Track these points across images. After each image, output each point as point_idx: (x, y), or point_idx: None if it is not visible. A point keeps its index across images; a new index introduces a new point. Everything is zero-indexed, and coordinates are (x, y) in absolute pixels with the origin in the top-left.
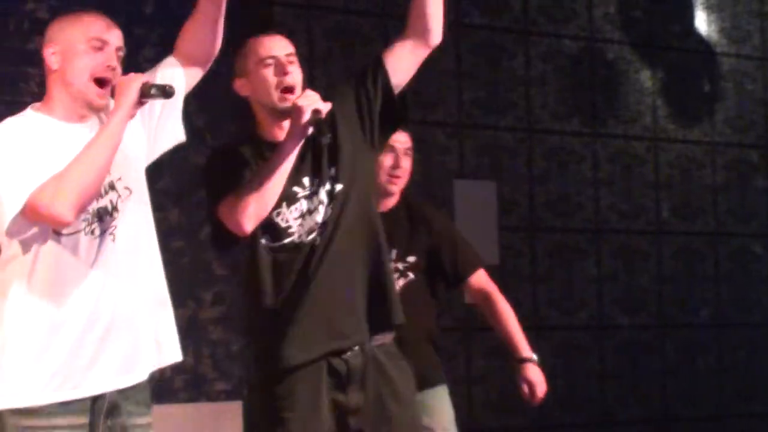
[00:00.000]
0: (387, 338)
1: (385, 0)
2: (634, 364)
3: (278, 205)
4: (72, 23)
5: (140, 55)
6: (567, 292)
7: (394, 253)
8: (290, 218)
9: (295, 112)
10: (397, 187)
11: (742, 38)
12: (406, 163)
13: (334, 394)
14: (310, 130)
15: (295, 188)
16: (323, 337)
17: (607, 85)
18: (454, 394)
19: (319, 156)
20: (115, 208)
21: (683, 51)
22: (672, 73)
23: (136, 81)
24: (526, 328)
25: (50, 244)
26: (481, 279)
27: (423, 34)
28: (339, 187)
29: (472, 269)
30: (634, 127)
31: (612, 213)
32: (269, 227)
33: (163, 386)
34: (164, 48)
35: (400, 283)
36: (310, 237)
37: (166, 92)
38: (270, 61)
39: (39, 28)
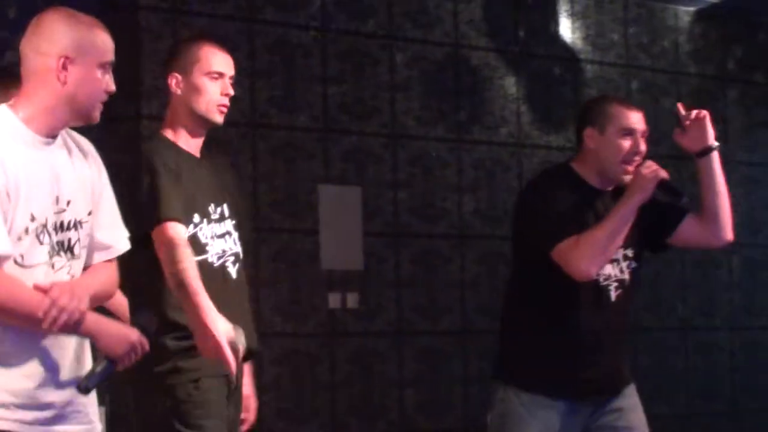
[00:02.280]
0: None
1: (251, 5)
2: None
3: None
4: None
5: (3, 58)
6: (431, 297)
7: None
8: None
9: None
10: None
11: (605, 45)
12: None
13: None
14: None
15: None
16: None
17: (472, 91)
18: (317, 399)
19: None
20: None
21: (548, 58)
22: (536, 79)
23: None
24: (391, 334)
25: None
26: None
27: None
28: None
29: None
30: (498, 133)
31: (476, 219)
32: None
33: None
34: None
35: (629, 271)
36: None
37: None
38: (217, 75)
39: None
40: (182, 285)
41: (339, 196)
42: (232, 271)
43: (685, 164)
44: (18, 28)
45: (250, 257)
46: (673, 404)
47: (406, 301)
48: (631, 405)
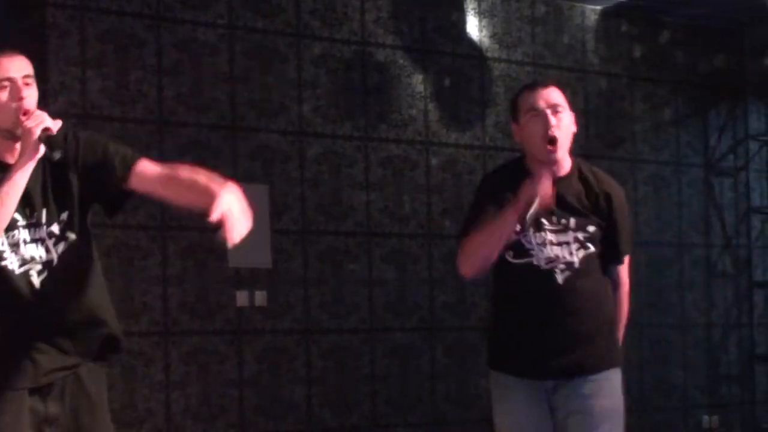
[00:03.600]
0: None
1: (159, 3)
2: (404, 367)
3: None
4: None
5: None
6: (338, 295)
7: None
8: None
9: (24, 133)
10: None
11: (512, 43)
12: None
13: (34, 403)
14: (42, 148)
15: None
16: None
17: (380, 89)
18: (225, 397)
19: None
20: None
21: (455, 56)
22: (444, 77)
23: None
24: (299, 331)
25: None
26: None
27: None
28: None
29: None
30: (406, 131)
31: (383, 216)
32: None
33: None
34: None
35: (580, 254)
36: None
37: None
38: (6, 83)
39: None
40: None
41: (246, 194)
42: (36, 281)
43: (593, 163)
44: None
45: (159, 254)
46: None
47: (313, 299)
48: (595, 390)
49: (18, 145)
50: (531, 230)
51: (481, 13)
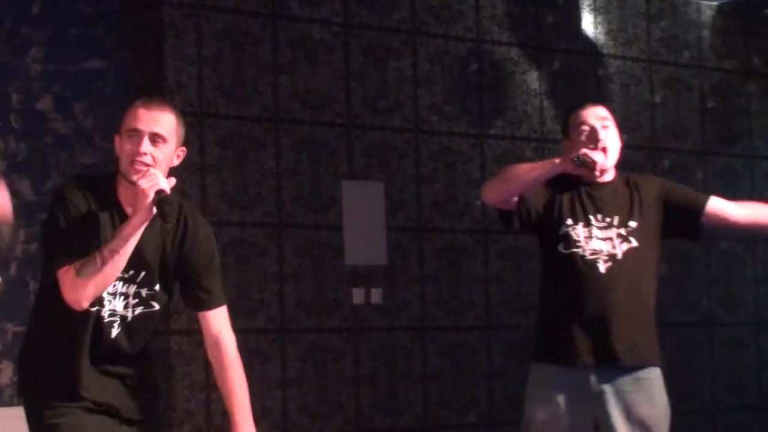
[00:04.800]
0: None
1: (275, 0)
2: (520, 364)
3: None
4: None
5: (28, 55)
6: (455, 292)
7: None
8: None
9: (138, 193)
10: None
11: (628, 40)
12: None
13: None
14: (155, 211)
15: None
16: None
17: (495, 86)
18: (269, 398)
19: None
20: None
21: (570, 53)
22: (559, 74)
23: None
24: (415, 329)
25: None
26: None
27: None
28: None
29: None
30: (521, 128)
31: None
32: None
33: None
34: (51, 48)
35: (624, 248)
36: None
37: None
38: (132, 133)
39: None
40: None
41: (362, 191)
42: (114, 332)
43: (710, 160)
44: (42, 24)
45: (275, 251)
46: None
47: (429, 296)
48: (641, 396)
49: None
50: (580, 224)
51: (596, 10)
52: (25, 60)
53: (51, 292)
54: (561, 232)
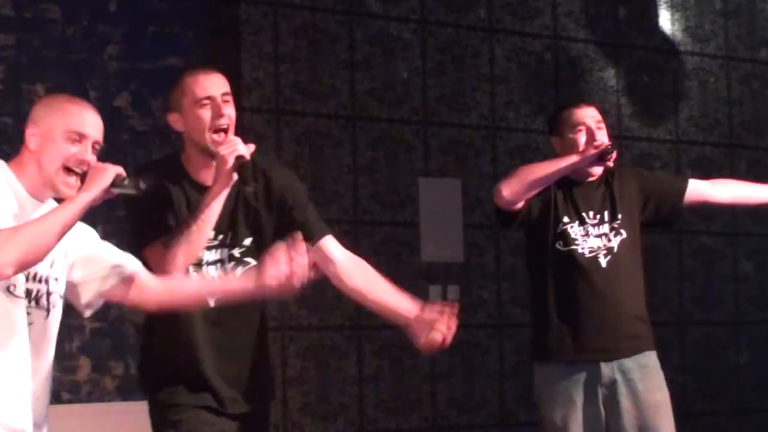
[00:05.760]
0: None
1: None
2: None
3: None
4: (55, 111)
5: (105, 52)
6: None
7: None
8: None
9: (218, 160)
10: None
11: (705, 37)
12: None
13: None
14: (235, 176)
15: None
16: None
17: (572, 83)
18: (345, 395)
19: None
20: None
21: (647, 49)
22: (636, 71)
23: (111, 169)
24: (492, 326)
25: None
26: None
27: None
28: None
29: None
30: None
31: None
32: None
33: (128, 384)
34: (128, 45)
35: (618, 240)
36: None
37: (137, 187)
38: (206, 101)
39: (2, 25)
40: None
41: (439, 188)
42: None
43: None
44: (119, 21)
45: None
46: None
47: (505, 293)
48: (647, 382)
49: (214, 165)
50: (576, 223)
51: (673, 7)
52: (102, 57)
53: None
54: (559, 230)
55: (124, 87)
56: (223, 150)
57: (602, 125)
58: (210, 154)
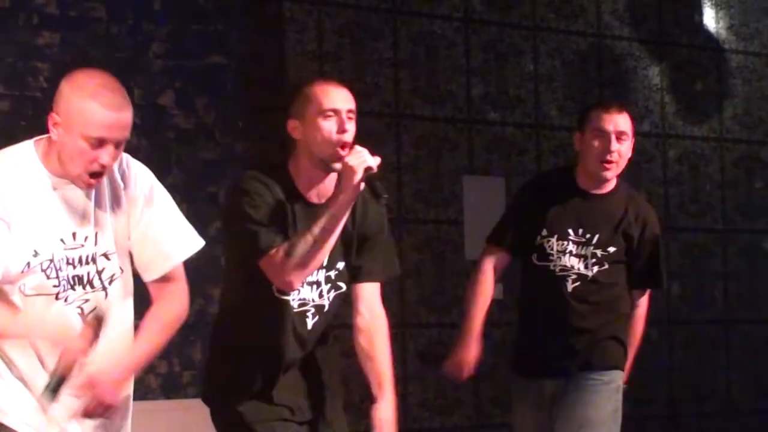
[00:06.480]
0: None
1: None
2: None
3: None
4: (77, 107)
5: (149, 51)
6: None
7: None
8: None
9: (346, 171)
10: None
11: (750, 35)
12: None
13: None
14: (362, 187)
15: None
16: None
17: (616, 81)
18: (461, 390)
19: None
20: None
21: (692, 47)
22: (680, 69)
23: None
24: None
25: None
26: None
27: None
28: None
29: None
30: (642, 123)
31: None
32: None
33: (171, 382)
34: (172, 43)
35: (595, 269)
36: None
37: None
38: (330, 113)
39: (47, 23)
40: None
41: (483, 186)
42: (309, 323)
43: None
44: (164, 20)
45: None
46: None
47: None
48: (588, 397)
49: (326, 182)
50: (555, 237)
51: (717, 5)
52: (146, 56)
53: (238, 291)
54: (536, 243)
55: (168, 85)
56: (351, 160)
57: (626, 137)
58: (324, 167)
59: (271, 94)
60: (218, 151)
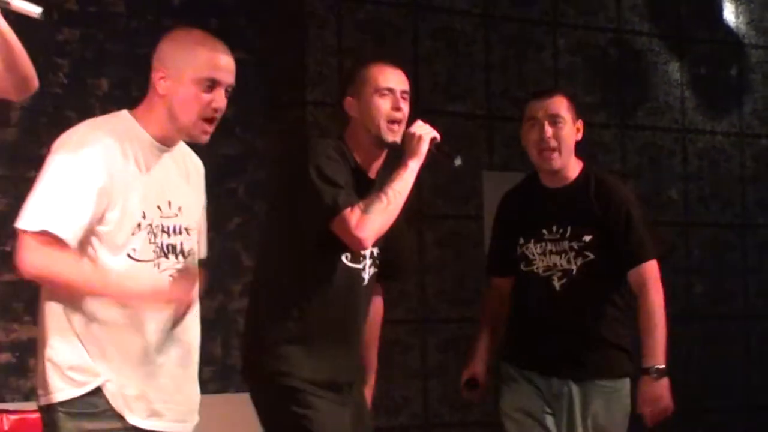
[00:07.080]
0: None
1: None
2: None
3: None
4: (185, 53)
5: None
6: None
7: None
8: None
9: (412, 139)
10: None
11: None
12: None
13: None
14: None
15: None
16: None
17: (636, 76)
18: (409, 388)
19: None
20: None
21: (711, 42)
22: (700, 64)
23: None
24: None
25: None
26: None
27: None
28: None
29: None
30: (662, 118)
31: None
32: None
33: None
34: None
35: (578, 262)
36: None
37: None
38: (386, 92)
39: (67, 19)
40: None
41: (503, 182)
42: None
43: None
44: (182, 17)
45: (415, 243)
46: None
47: None
48: (592, 409)
49: (381, 158)
50: (532, 241)
51: (737, 0)
52: None
53: (301, 259)
54: (518, 252)
55: None
56: (417, 129)
57: (560, 120)
58: (378, 143)
59: (292, 89)
60: (238, 146)
